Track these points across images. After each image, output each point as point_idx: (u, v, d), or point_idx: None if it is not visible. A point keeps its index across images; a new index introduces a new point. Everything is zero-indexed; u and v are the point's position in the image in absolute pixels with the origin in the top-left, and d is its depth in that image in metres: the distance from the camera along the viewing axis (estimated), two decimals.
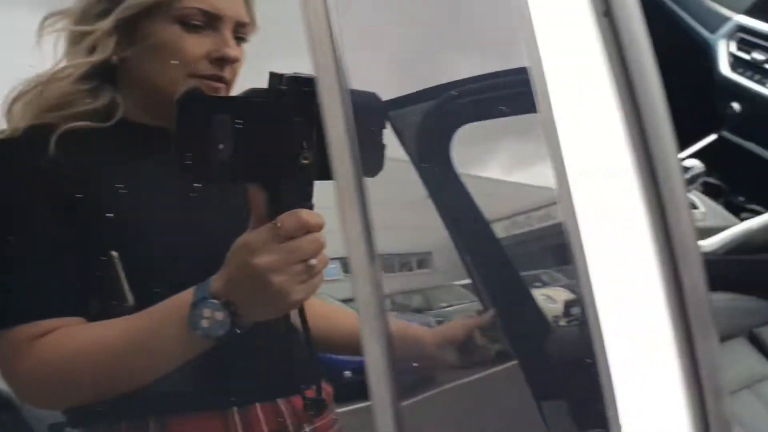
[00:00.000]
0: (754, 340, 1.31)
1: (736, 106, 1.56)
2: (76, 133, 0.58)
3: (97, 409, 0.55)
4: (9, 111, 0.59)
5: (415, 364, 0.67)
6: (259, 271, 0.49)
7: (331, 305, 0.73)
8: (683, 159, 1.39)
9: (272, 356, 0.59)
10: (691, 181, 1.38)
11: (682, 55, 1.86)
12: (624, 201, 0.42)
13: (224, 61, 0.60)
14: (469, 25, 0.64)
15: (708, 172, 1.62)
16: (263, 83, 0.50)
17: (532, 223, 1.06)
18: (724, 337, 1.32)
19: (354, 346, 0.45)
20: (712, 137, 1.66)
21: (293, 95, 0.48)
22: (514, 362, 0.76)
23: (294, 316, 0.57)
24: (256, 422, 0.58)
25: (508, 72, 0.67)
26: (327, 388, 0.61)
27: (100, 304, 0.56)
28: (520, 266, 0.87)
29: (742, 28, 1.57)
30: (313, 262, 0.50)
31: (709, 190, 1.63)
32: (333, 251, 0.47)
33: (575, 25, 0.41)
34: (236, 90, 0.61)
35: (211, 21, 0.60)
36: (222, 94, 0.60)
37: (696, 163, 1.38)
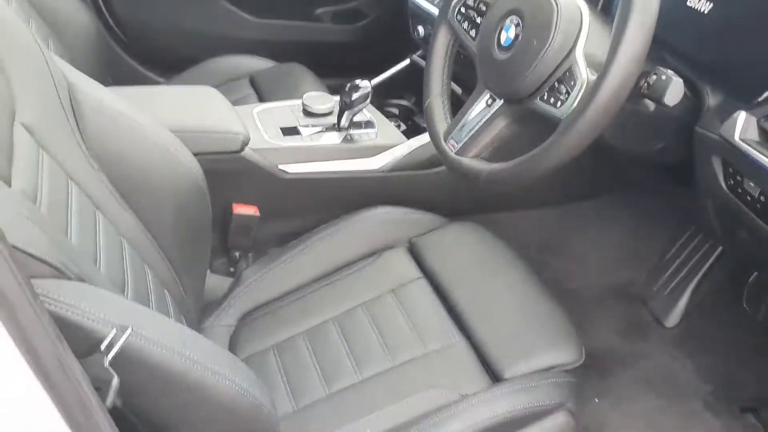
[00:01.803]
0: (411, 249, 1.42)
1: (420, 29, 1.64)
2: None
3: None
4: None
5: None
6: None
7: None
8: (356, 81, 1.45)
9: None
10: (361, 100, 1.44)
11: None
12: None
13: None
14: None
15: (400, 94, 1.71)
16: None
17: None
18: (388, 246, 1.42)
19: None
20: (406, 62, 1.75)
21: None
22: None
23: None
24: None
25: None
26: None
27: None
28: None
29: None
30: None
31: (403, 113, 1.73)
32: None
33: None
34: None
35: None
36: None
37: (365, 83, 1.45)
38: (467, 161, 1.08)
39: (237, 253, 1.48)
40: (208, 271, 1.41)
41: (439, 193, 1.52)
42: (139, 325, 0.71)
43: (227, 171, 1.37)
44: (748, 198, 0.95)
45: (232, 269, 1.49)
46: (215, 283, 1.43)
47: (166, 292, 1.14)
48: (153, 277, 1.11)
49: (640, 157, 1.14)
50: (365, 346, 1.23)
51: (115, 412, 0.64)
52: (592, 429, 1.41)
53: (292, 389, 1.20)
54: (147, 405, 0.72)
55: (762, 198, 0.92)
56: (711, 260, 1.63)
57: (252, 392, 0.82)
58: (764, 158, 0.89)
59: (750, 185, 0.94)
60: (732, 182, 0.98)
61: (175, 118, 1.31)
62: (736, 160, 0.96)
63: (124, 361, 0.67)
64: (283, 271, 1.40)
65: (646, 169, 1.35)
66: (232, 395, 0.79)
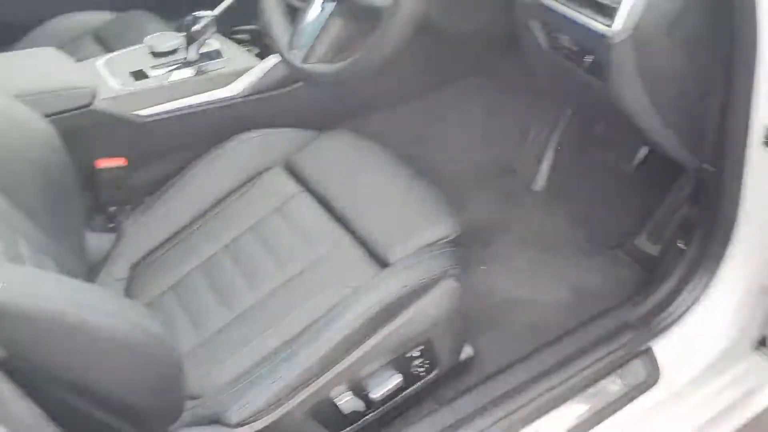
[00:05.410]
0: (288, 167, 1.45)
1: None
2: None
3: None
4: None
5: None
6: None
7: None
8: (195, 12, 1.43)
9: None
10: (205, 31, 1.43)
11: None
12: None
13: None
14: None
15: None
16: None
17: None
18: (265, 168, 1.44)
19: None
20: None
21: None
22: None
23: None
24: None
25: None
26: None
27: None
28: None
29: None
30: None
31: (254, 37, 1.72)
32: None
33: None
34: None
35: None
36: None
37: (206, 13, 1.43)
38: (310, 67, 1.12)
39: (113, 209, 1.47)
40: (88, 230, 1.40)
41: (304, 108, 1.55)
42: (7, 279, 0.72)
43: (86, 127, 1.35)
44: (565, 51, 1.04)
45: (111, 225, 1.48)
46: (97, 241, 1.42)
47: (44, 257, 1.13)
48: (27, 245, 1.10)
49: (473, 33, 1.20)
50: (258, 266, 1.28)
51: (6, 366, 0.66)
52: (483, 292, 1.53)
53: (195, 321, 1.23)
54: (38, 357, 0.74)
55: (575, 47, 1.01)
56: (562, 123, 1.75)
57: (141, 324, 0.84)
58: (571, 11, 0.98)
59: (565, 39, 1.03)
60: (550, 40, 1.06)
61: (18, 83, 1.27)
62: (551, 19, 1.04)
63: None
64: (165, 215, 1.41)
65: (484, 47, 1.42)
66: (122, 330, 0.81)
